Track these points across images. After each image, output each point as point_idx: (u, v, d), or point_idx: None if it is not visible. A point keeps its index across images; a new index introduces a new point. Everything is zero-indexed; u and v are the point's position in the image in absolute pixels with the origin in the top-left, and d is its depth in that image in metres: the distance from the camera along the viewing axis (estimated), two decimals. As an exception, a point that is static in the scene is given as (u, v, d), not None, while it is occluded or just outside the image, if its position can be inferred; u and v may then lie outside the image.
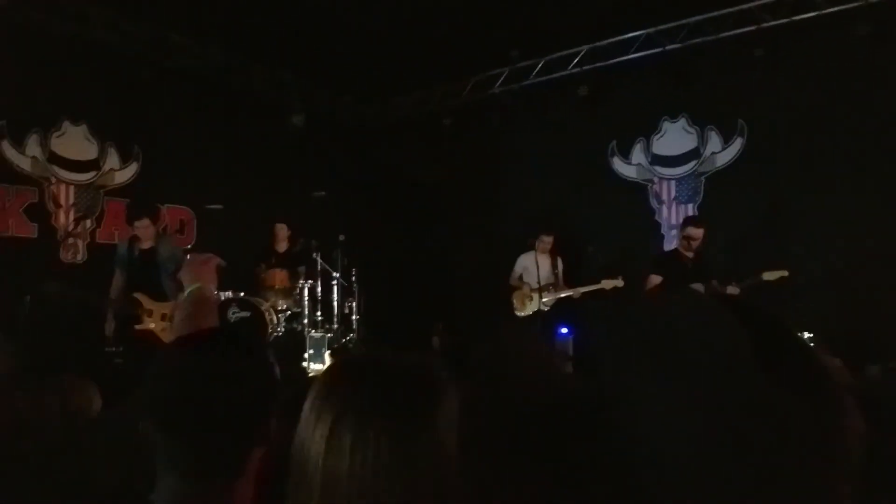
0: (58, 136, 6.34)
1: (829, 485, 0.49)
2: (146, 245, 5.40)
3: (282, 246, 6.75)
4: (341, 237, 6.83)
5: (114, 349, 5.74)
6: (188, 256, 1.78)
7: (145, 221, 5.32)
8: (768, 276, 5.24)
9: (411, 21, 6.17)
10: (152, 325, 5.26)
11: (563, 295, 6.37)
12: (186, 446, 1.03)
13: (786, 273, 5.22)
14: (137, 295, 5.31)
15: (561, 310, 6.41)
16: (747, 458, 0.47)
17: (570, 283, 6.44)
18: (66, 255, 6.33)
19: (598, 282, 6.15)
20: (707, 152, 6.70)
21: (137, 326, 5.25)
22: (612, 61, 6.78)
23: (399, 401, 0.87)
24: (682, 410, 0.49)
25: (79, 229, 6.21)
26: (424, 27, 6.27)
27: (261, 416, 1.09)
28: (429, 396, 0.89)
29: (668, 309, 0.56)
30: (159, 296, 5.33)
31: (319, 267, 6.67)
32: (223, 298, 6.11)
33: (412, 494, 0.82)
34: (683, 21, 6.30)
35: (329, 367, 0.98)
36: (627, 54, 6.68)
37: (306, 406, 0.90)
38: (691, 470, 0.48)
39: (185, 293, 1.66)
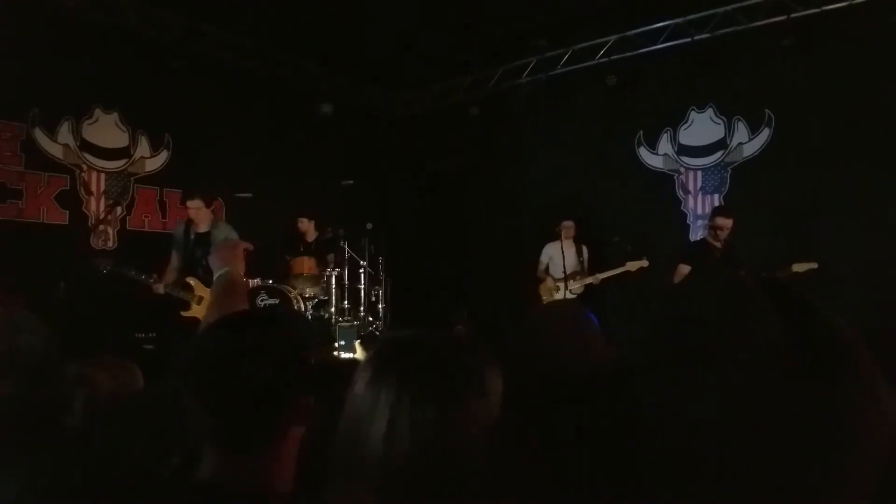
0: (89, 124, 6.40)
1: (858, 473, 0.48)
2: (202, 229, 5.38)
3: (310, 235, 6.79)
4: (369, 226, 6.87)
5: (143, 335, 5.82)
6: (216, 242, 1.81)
7: (197, 202, 5.28)
8: (797, 267, 5.23)
9: (439, 11, 6.17)
10: (199, 313, 5.25)
11: (587, 282, 6.39)
12: (222, 421, 1.06)
13: (815, 265, 5.21)
14: (190, 280, 5.32)
15: (588, 298, 6.43)
16: (776, 444, 0.46)
17: (595, 270, 6.45)
18: (96, 242, 6.39)
19: (623, 265, 6.17)
20: (734, 143, 6.68)
21: (184, 313, 5.25)
22: (640, 51, 6.77)
23: (455, 380, 0.86)
24: (709, 392, 0.48)
25: (110, 217, 6.29)
26: (452, 16, 6.27)
27: (295, 394, 1.10)
28: (480, 375, 0.89)
29: (698, 291, 0.55)
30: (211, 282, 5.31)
31: (347, 255, 6.71)
32: (251, 286, 6.16)
33: (470, 472, 0.82)
34: (712, 11, 6.27)
35: (380, 349, 0.96)
36: (656, 44, 6.66)
37: (359, 389, 0.88)
38: (717, 455, 0.47)
39: (216, 277, 1.70)
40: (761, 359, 0.47)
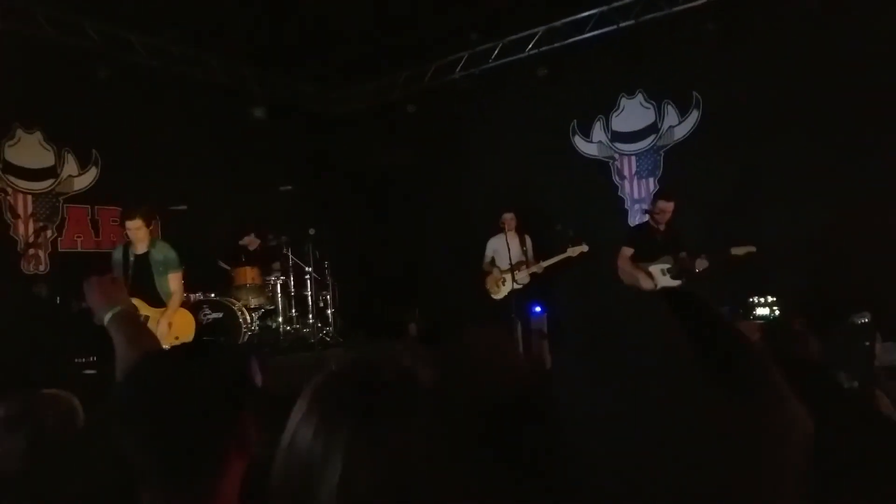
0: (11, 146, 6.15)
1: (770, 478, 0.49)
2: (140, 250, 5.21)
3: (251, 245, 6.66)
4: (311, 231, 6.78)
5: (84, 360, 5.64)
6: (89, 279, 1.68)
7: (137, 222, 5.09)
8: (736, 251, 5.36)
9: (369, 8, 6.13)
10: None
11: (531, 270, 6.46)
12: (160, 460, 1.03)
13: (753, 249, 5.34)
14: (134, 300, 5.17)
15: (534, 287, 6.51)
16: (687, 452, 0.48)
17: (539, 259, 6.52)
18: (27, 267, 6.16)
19: (565, 251, 6.26)
20: (664, 126, 6.84)
21: None
22: (568, 41, 6.86)
23: (411, 413, 0.81)
24: (618, 404, 0.50)
25: (40, 239, 6.06)
26: (382, 13, 6.24)
27: (236, 425, 1.08)
28: (429, 395, 0.85)
29: (613, 304, 0.57)
30: (156, 302, 5.21)
31: (291, 262, 6.62)
32: (193, 300, 6.01)
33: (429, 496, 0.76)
34: (635, -2, 6.41)
35: (321, 390, 0.83)
36: (583, 33, 6.76)
37: (302, 438, 0.78)
38: (628, 466, 0.49)
39: (109, 318, 1.57)
40: (667, 368, 0.49)
